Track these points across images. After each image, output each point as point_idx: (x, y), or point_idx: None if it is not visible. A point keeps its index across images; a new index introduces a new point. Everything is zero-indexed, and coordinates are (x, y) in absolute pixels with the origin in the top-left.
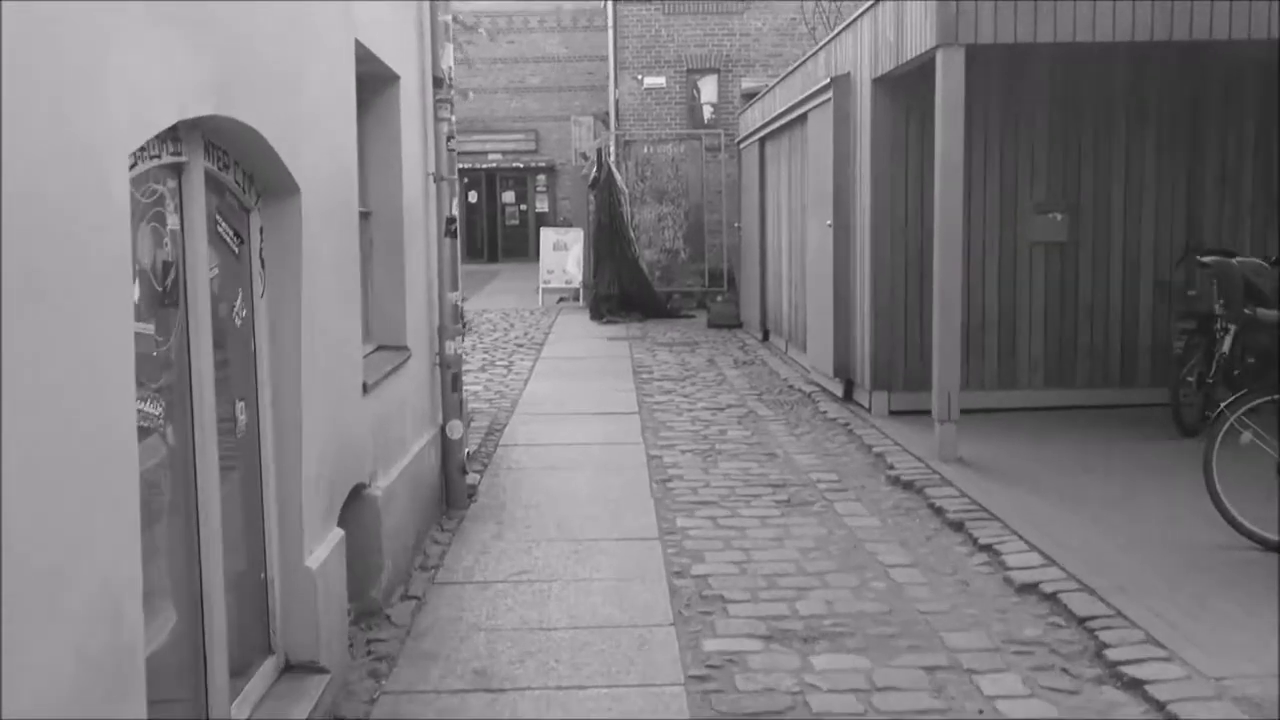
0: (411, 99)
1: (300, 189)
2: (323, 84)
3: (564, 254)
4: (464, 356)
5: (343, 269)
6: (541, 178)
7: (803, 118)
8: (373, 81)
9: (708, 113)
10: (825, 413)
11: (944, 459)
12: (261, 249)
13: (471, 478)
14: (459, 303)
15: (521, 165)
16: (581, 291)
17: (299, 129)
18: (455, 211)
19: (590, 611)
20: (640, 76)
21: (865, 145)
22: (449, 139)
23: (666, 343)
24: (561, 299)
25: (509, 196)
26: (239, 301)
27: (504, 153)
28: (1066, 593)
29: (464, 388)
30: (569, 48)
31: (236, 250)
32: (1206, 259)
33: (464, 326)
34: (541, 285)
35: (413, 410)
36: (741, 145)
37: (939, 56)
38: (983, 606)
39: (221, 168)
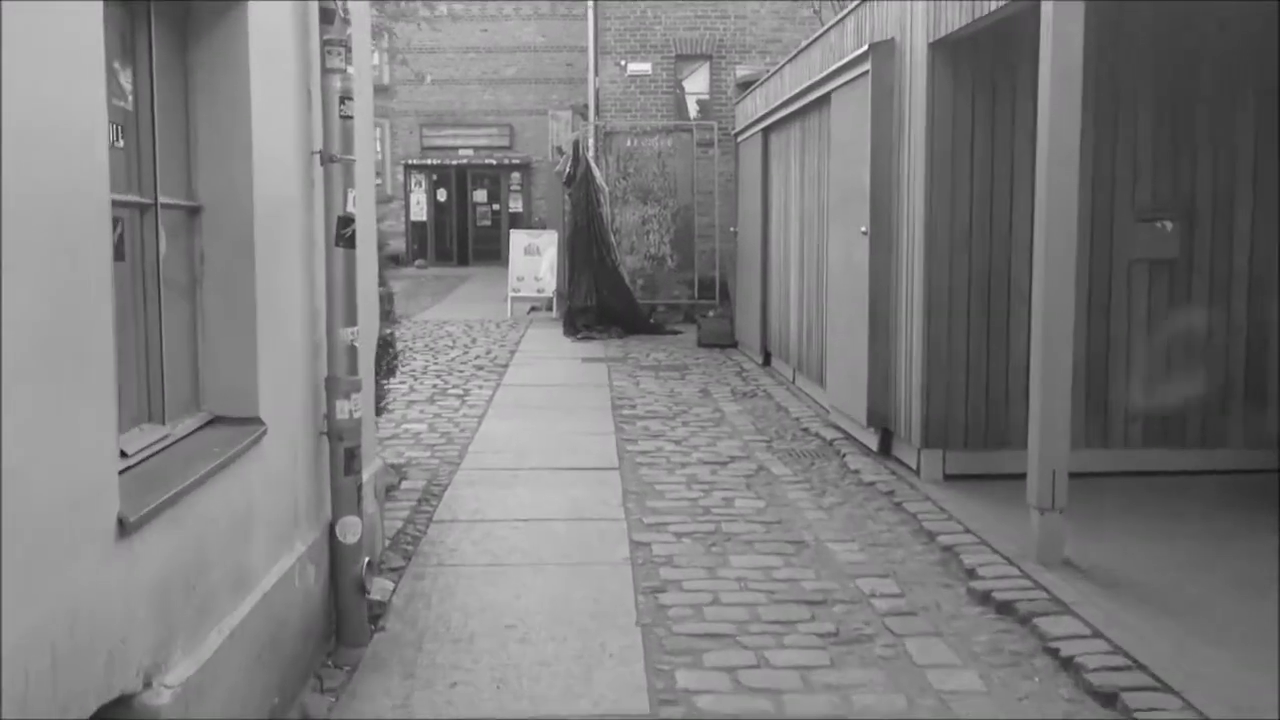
0: (276, 36)
1: None
2: None
3: (536, 259)
4: (396, 389)
5: (59, 310)
6: (516, 175)
7: (823, 100)
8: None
9: (694, 109)
10: (858, 473)
11: (1045, 562)
12: None
13: (380, 588)
14: (355, 339)
15: (495, 162)
16: (555, 300)
17: None
18: (352, 208)
19: None
20: (624, 62)
21: (917, 130)
22: (343, 100)
23: (651, 366)
24: (533, 308)
25: (481, 195)
26: None
27: (476, 148)
28: None
29: (407, 425)
30: (546, 36)
31: None
32: None
33: (389, 361)
34: (510, 294)
35: (268, 518)
36: (739, 138)
37: (1048, 3)
38: None
39: None
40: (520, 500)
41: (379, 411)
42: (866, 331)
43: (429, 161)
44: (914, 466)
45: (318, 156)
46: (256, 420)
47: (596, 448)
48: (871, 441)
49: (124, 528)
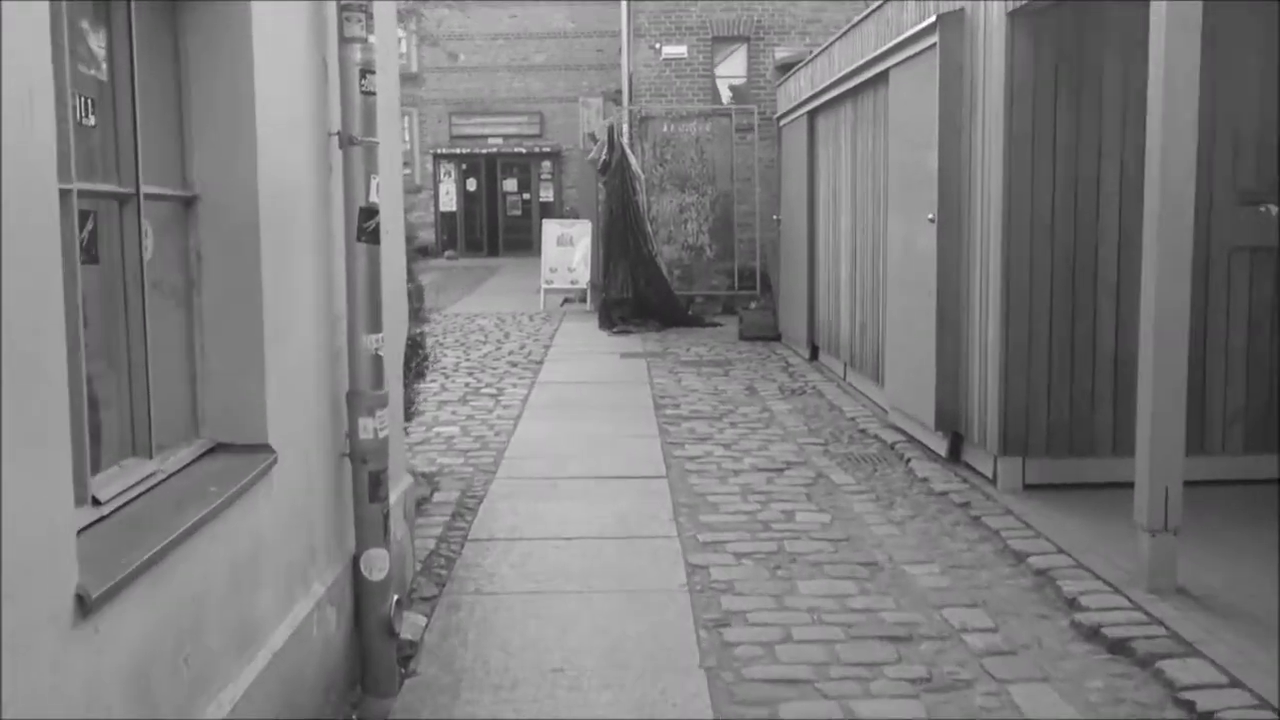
0: (286, 5)
1: None
2: None
3: (569, 249)
4: (427, 388)
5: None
6: (546, 164)
7: (880, 79)
8: None
9: (726, 95)
10: (926, 481)
11: (1157, 590)
12: None
13: (411, 625)
14: (379, 348)
15: (525, 150)
16: (589, 292)
17: None
18: (376, 198)
19: None
20: (658, 45)
21: (993, 109)
22: (364, 74)
23: (692, 361)
24: (566, 300)
25: (511, 184)
26: None
27: (505, 136)
28: None
29: (439, 428)
30: (577, 22)
31: None
32: None
33: (419, 364)
34: (543, 286)
35: (279, 561)
36: (782, 122)
37: None
38: None
39: None
40: (562, 514)
41: (408, 417)
42: (934, 326)
43: (458, 150)
44: (989, 475)
45: (335, 139)
46: (265, 448)
47: (641, 452)
48: (939, 446)
49: (85, 606)
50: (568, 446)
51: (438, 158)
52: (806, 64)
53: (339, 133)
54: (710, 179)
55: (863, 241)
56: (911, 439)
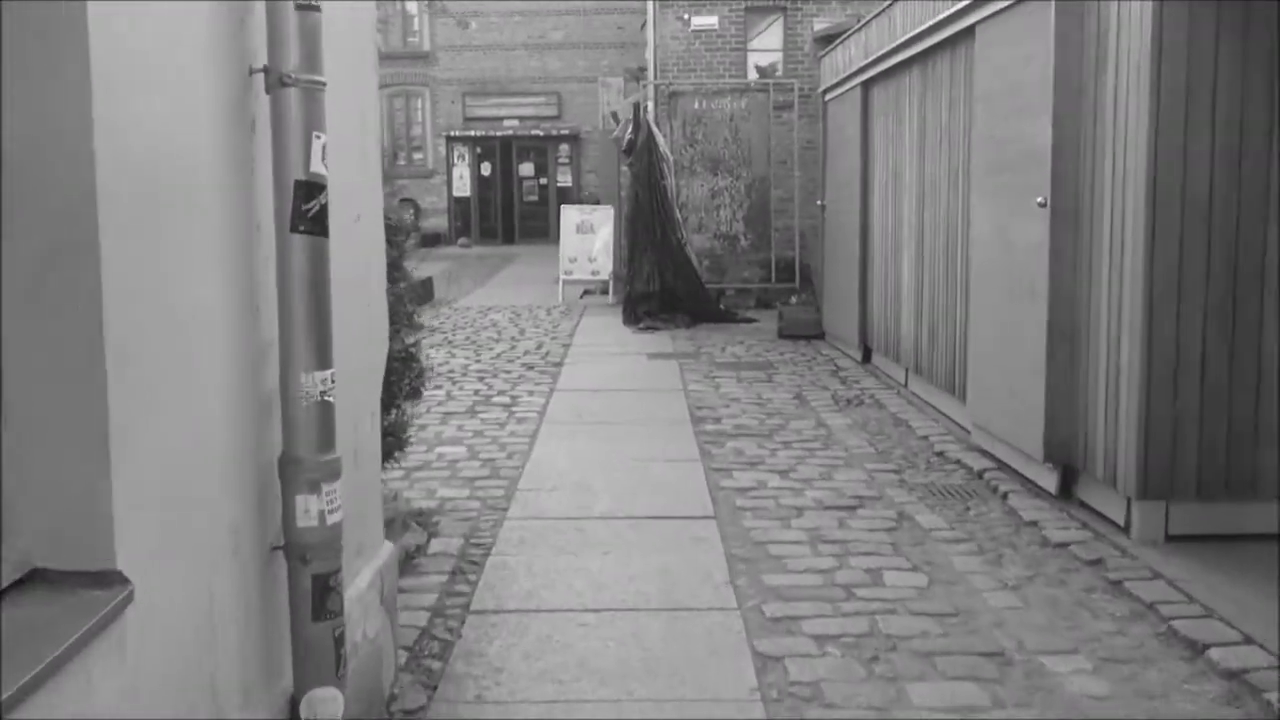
0: None
1: None
2: None
3: (589, 237)
4: (430, 401)
5: None
6: (564, 147)
7: (960, 38)
8: None
9: (752, 74)
10: (1036, 526)
11: None
12: None
13: None
14: (328, 391)
15: (542, 133)
16: (611, 284)
17: None
18: (322, 167)
19: None
20: (686, 15)
21: (1133, 65)
22: None
23: (729, 363)
24: (586, 291)
25: (527, 169)
26: None
27: (522, 118)
28: None
29: (442, 448)
30: None
31: None
32: None
33: (414, 380)
34: (562, 276)
35: None
36: (828, 97)
37: None
38: None
39: None
40: (590, 574)
41: (400, 446)
42: (1044, 334)
43: (472, 133)
44: (1119, 522)
45: (261, 75)
46: (111, 577)
47: (681, 483)
48: (1044, 479)
49: None
50: (593, 475)
51: (451, 140)
52: (859, 29)
53: (264, 68)
54: (745, 161)
55: (932, 230)
56: (1003, 466)
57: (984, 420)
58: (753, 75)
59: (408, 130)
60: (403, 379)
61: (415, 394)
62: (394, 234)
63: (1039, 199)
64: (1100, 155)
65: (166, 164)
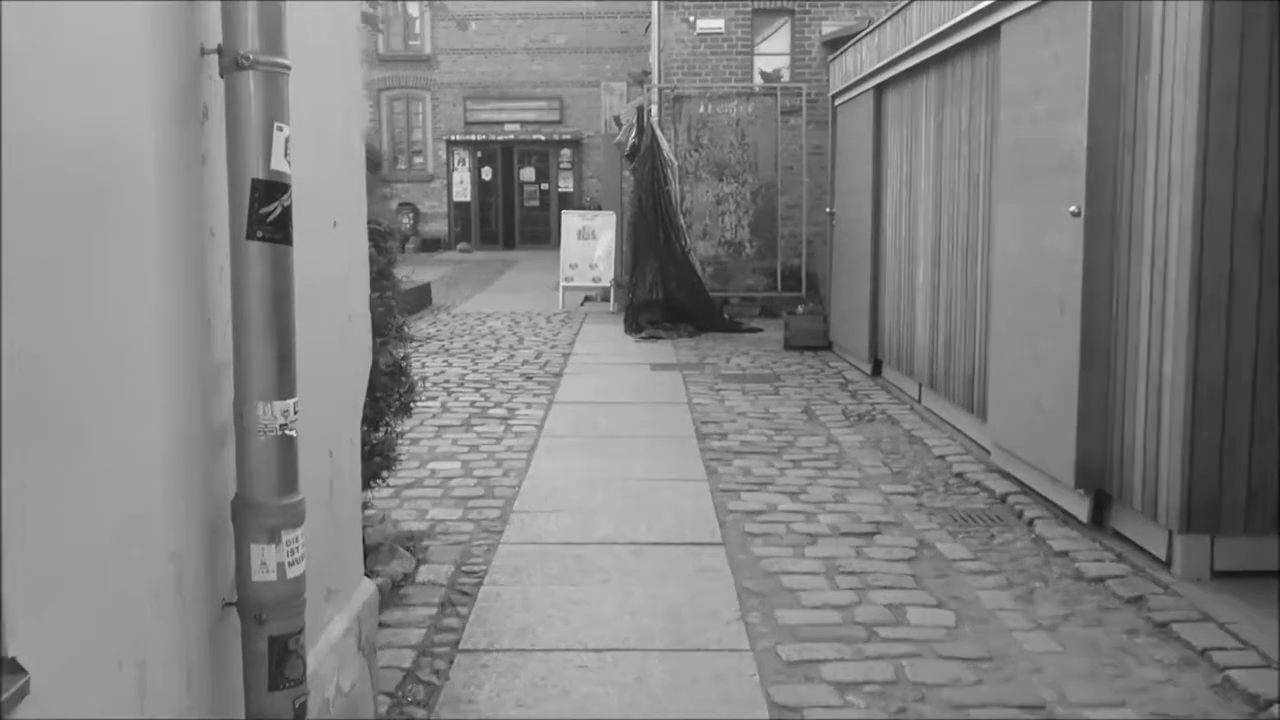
0: None
1: None
2: None
3: (591, 244)
4: (425, 409)
5: None
6: (566, 152)
7: (984, 38)
8: None
9: (758, 79)
10: (1067, 557)
11: None
12: None
13: None
14: (289, 424)
15: (543, 138)
16: (613, 291)
17: None
18: (285, 164)
19: None
20: (692, 18)
21: (1181, 58)
22: None
23: (735, 375)
24: (587, 298)
25: (528, 174)
26: None
27: (523, 123)
28: None
29: (435, 464)
30: (599, 1)
31: None
32: None
33: (403, 396)
34: (562, 283)
35: None
36: (838, 101)
37: None
38: None
39: None
40: (589, 607)
41: (388, 466)
42: (1076, 351)
43: (473, 137)
44: (1160, 555)
45: (213, 59)
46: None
47: (686, 504)
48: (1074, 506)
49: None
50: (593, 495)
51: (451, 145)
52: (871, 32)
53: (218, 49)
54: (751, 167)
55: (950, 239)
56: (1027, 490)
57: (1007, 440)
58: (759, 80)
59: (408, 134)
60: (391, 395)
61: (405, 410)
62: (383, 240)
63: (1072, 208)
64: (1141, 160)
65: (96, 156)
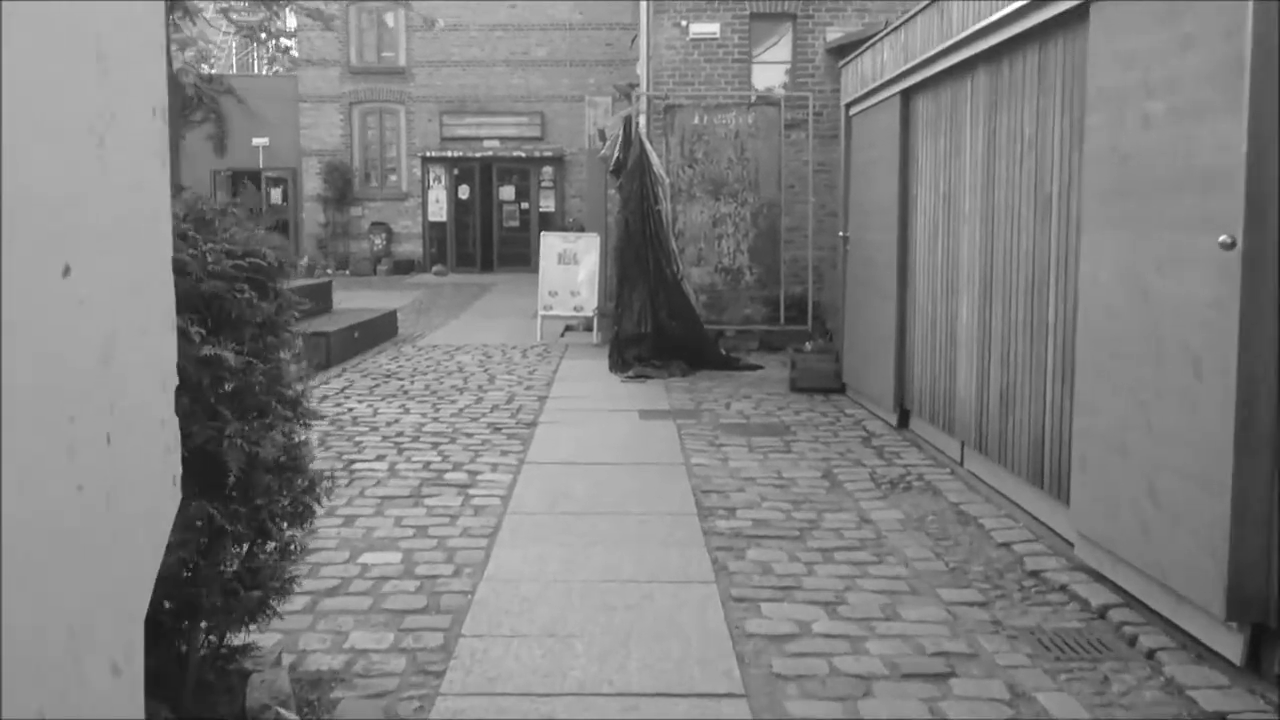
0: None
1: None
2: None
3: (572, 269)
4: (370, 473)
5: None
6: (548, 170)
7: (1060, 22)
8: None
9: (755, 94)
10: None
11: None
12: None
13: None
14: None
15: (524, 155)
16: (596, 321)
17: None
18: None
19: None
20: (685, 22)
21: None
22: None
23: (737, 424)
24: (568, 328)
25: (508, 192)
26: None
27: (503, 139)
28: None
29: (367, 557)
30: (584, 13)
31: None
32: None
33: (296, 499)
34: (541, 312)
35: None
36: (853, 110)
37: None
38: None
39: None
40: None
41: (281, 594)
42: (1228, 428)
43: (449, 154)
44: None
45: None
46: None
47: (690, 624)
48: (1218, 639)
49: None
50: (568, 609)
51: (426, 161)
52: (894, 30)
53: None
54: (751, 184)
55: (1007, 270)
56: (1131, 600)
57: (1100, 534)
58: (758, 88)
59: (381, 150)
60: (277, 498)
61: (301, 517)
62: (268, 277)
63: (1223, 238)
64: None
65: None
